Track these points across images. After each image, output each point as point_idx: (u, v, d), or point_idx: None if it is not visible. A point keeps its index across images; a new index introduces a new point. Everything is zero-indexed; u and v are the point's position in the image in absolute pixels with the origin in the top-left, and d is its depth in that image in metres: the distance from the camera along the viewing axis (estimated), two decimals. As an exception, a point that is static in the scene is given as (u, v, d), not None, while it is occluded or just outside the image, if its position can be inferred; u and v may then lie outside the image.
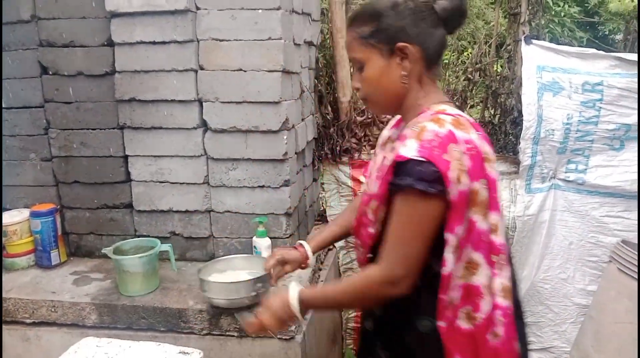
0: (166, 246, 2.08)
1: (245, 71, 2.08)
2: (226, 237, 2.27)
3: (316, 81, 2.71)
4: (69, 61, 2.20)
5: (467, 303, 1.20)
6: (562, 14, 6.34)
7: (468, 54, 3.60)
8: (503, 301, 1.21)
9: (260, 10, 2.03)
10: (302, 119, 2.43)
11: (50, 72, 2.23)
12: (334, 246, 2.77)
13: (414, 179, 1.11)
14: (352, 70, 1.37)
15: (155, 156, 2.23)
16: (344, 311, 2.82)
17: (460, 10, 1.24)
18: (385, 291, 1.20)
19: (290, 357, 1.88)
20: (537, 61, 2.50)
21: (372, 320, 1.39)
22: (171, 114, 2.16)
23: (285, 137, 2.13)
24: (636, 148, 2.49)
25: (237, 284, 1.81)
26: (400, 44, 1.21)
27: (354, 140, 2.68)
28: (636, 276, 2.27)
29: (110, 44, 2.15)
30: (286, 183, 2.18)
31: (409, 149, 1.12)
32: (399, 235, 1.17)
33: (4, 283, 2.12)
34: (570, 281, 2.67)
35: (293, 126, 2.23)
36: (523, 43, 2.52)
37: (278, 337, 1.85)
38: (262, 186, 2.19)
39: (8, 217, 2.23)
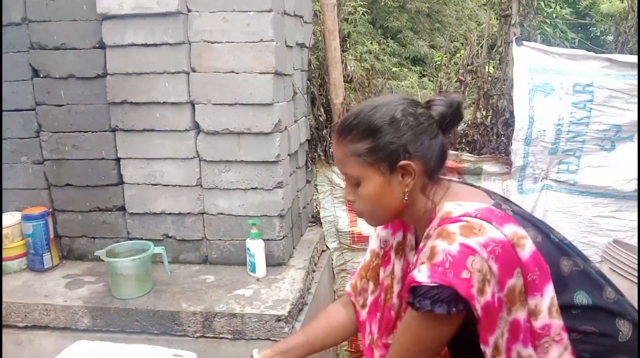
0: (159, 249, 2.08)
1: (237, 73, 2.08)
2: (219, 239, 2.27)
3: (309, 82, 2.71)
4: (60, 63, 2.19)
5: None
6: (554, 15, 6.38)
7: (460, 56, 3.61)
8: None
9: (251, 13, 2.04)
10: (295, 121, 2.43)
11: (42, 75, 2.22)
12: (328, 248, 2.78)
13: (432, 303, 1.04)
14: (344, 179, 1.29)
15: (147, 159, 2.22)
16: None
17: (457, 114, 1.19)
18: None
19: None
20: (528, 62, 2.51)
21: None
22: (163, 116, 2.16)
23: (277, 139, 2.13)
24: (627, 149, 2.51)
25: None
26: (403, 162, 1.15)
27: (346, 142, 2.68)
28: (628, 276, 2.29)
29: (102, 46, 2.15)
30: (279, 185, 2.18)
31: (422, 275, 1.06)
32: (407, 351, 1.14)
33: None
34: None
35: (286, 128, 2.23)
36: (514, 45, 2.53)
37: (272, 339, 1.85)
38: (255, 188, 2.19)
39: (-1, 220, 2.22)
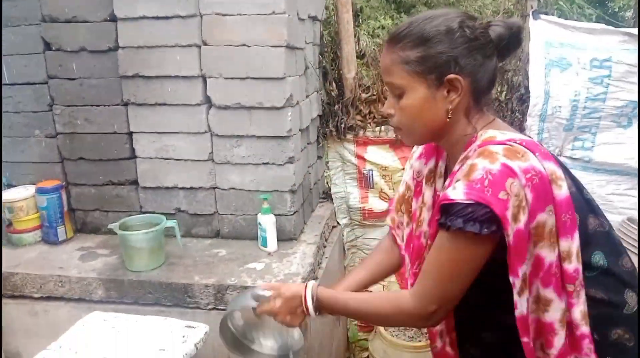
0: (172, 223, 2.09)
1: (248, 46, 2.06)
2: (231, 214, 2.28)
3: (321, 57, 2.68)
4: (72, 36, 2.18)
5: (538, 337, 1.14)
6: (572, -11, 6.23)
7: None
8: (587, 329, 1.12)
9: (264, -16, 2.01)
10: (307, 96, 2.41)
11: (54, 48, 2.22)
12: (338, 224, 2.78)
13: (464, 221, 1.02)
14: (383, 89, 1.23)
15: (159, 133, 2.22)
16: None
17: (516, 38, 1.15)
18: (414, 324, 1.17)
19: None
20: (545, 36, 2.46)
21: (480, 347, 1.29)
22: (175, 90, 2.15)
23: (289, 113, 2.12)
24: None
25: None
26: (451, 75, 1.10)
27: (358, 117, 2.66)
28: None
29: (113, 19, 2.13)
30: (290, 160, 2.17)
31: (457, 192, 1.03)
32: (439, 272, 1.10)
33: (11, 258, 2.14)
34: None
35: (297, 103, 2.22)
36: (531, 18, 2.48)
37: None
38: (267, 163, 2.18)
39: (14, 193, 2.25)
